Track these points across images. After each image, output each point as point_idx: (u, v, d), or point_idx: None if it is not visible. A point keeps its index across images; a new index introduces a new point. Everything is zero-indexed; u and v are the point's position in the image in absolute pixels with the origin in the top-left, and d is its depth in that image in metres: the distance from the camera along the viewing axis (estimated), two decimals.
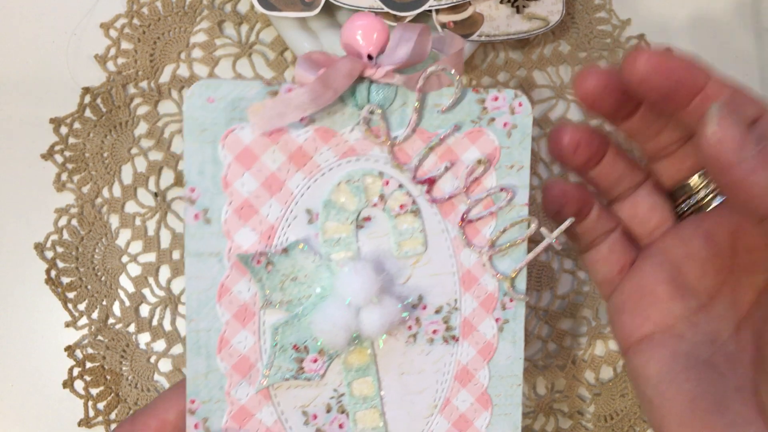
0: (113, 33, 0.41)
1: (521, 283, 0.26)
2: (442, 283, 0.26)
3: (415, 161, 0.24)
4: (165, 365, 0.39)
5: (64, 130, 0.40)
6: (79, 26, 0.41)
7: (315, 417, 0.25)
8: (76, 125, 0.40)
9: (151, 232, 0.40)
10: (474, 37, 0.38)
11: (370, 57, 0.24)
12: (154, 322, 0.39)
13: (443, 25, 0.38)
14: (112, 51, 0.40)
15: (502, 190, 0.25)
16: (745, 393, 0.25)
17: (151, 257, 0.40)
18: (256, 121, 0.22)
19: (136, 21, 0.41)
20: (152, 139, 0.40)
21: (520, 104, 0.25)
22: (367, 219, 0.25)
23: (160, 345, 0.39)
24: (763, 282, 0.26)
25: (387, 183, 0.24)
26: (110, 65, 0.40)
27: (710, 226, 0.27)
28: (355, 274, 0.23)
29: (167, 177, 0.40)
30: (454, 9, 0.38)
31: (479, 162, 0.25)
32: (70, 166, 0.39)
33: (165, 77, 0.41)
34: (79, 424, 0.38)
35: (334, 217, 0.24)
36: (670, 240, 0.28)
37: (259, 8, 0.36)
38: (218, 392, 0.24)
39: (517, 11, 0.39)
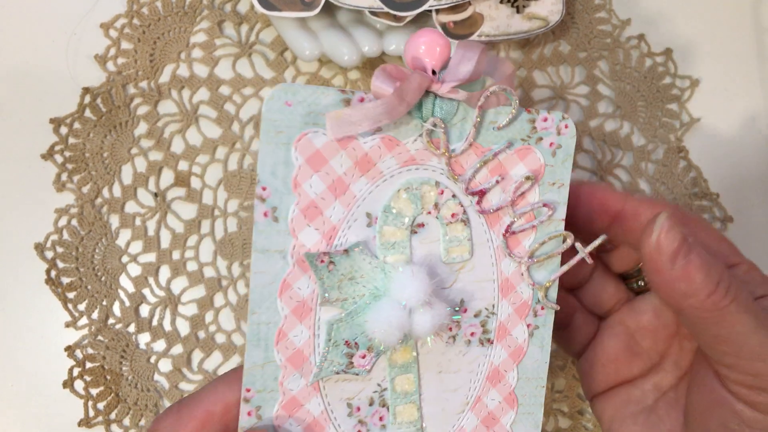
0: (113, 33, 0.41)
1: (553, 293, 0.28)
2: (483, 289, 0.27)
3: (469, 173, 0.26)
4: (165, 365, 0.39)
5: (64, 130, 0.40)
6: (79, 26, 0.41)
7: (358, 409, 0.27)
8: (76, 125, 0.40)
9: (151, 232, 0.40)
10: (474, 37, 0.38)
11: (434, 72, 0.25)
12: (154, 322, 0.39)
13: (443, 25, 0.38)
14: (112, 51, 0.40)
15: (544, 205, 0.27)
16: None
17: (151, 257, 0.40)
18: (333, 127, 0.24)
19: (136, 21, 0.41)
20: (152, 139, 0.40)
21: (566, 126, 0.27)
22: (421, 225, 0.26)
23: (160, 345, 0.39)
24: (697, 346, 0.31)
25: (442, 192, 0.26)
26: (110, 65, 0.40)
27: (658, 302, 0.32)
28: (412, 277, 0.25)
29: (167, 177, 0.40)
30: (454, 9, 0.38)
31: (527, 178, 0.27)
32: (70, 166, 0.39)
33: (165, 77, 0.41)
34: (79, 424, 0.38)
35: (392, 222, 0.26)
36: (625, 313, 0.33)
37: (259, 8, 0.36)
38: (272, 383, 0.25)
39: (517, 11, 0.39)
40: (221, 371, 0.39)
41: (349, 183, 0.25)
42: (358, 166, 0.25)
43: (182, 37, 0.41)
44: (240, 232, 0.40)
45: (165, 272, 0.40)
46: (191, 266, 0.40)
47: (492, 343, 0.28)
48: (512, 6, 0.39)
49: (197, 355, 0.40)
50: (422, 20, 0.39)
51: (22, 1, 0.41)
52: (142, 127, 0.40)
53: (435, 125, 0.25)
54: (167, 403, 0.39)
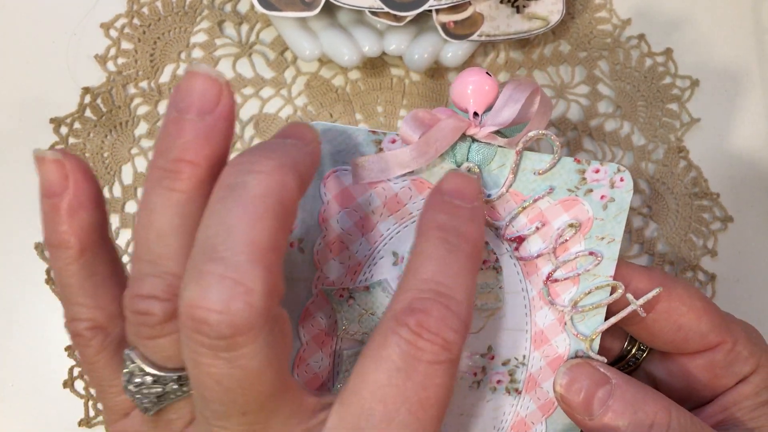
0: (113, 33, 0.41)
1: (596, 346, 0.27)
2: (513, 339, 0.27)
3: (506, 219, 0.25)
4: None
5: (64, 130, 0.40)
6: (79, 26, 0.41)
7: None
8: (77, 125, 0.40)
9: None
10: (474, 37, 0.38)
11: (475, 114, 0.24)
12: None
13: (443, 25, 0.38)
14: (112, 51, 0.40)
15: (590, 253, 0.26)
16: None
17: None
18: (359, 173, 0.24)
19: (136, 21, 0.41)
20: (152, 139, 0.40)
21: (622, 179, 0.25)
22: None
23: None
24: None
25: None
26: (110, 65, 0.40)
27: (645, 378, 0.31)
28: None
29: None
30: (454, 9, 0.38)
31: (570, 226, 0.25)
32: None
33: (165, 77, 0.41)
34: (80, 424, 0.38)
35: None
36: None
37: (259, 8, 0.36)
38: None
39: (517, 11, 0.39)
40: None
41: (376, 221, 0.25)
42: (386, 205, 0.25)
43: (182, 37, 0.41)
44: None
45: None
46: None
47: (520, 393, 0.27)
48: (512, 6, 0.39)
49: None
50: (422, 20, 0.39)
51: (22, 1, 0.41)
52: (142, 127, 0.40)
53: (469, 170, 0.24)
54: None
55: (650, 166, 0.42)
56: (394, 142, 0.24)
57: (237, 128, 0.41)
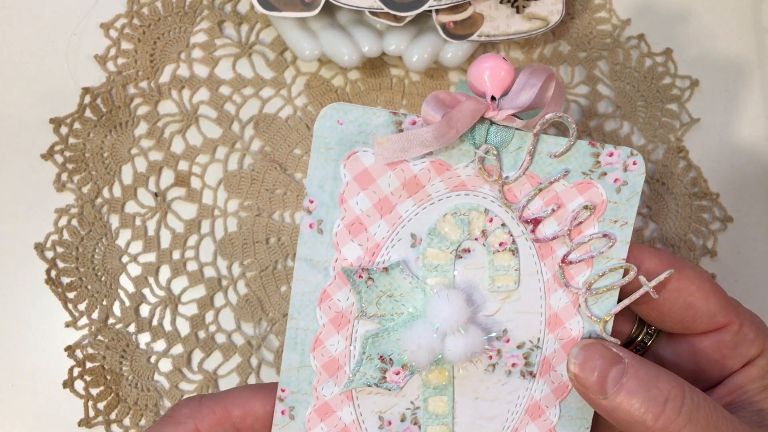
0: (113, 33, 0.41)
1: (609, 328, 0.27)
2: (528, 321, 0.27)
3: (523, 201, 0.26)
4: (165, 365, 0.39)
5: (64, 130, 0.40)
6: (79, 26, 0.41)
7: (389, 423, 0.27)
8: (76, 125, 0.40)
9: (151, 232, 0.40)
10: (474, 37, 0.38)
11: (493, 98, 0.24)
12: (154, 322, 0.39)
13: (443, 26, 0.38)
14: (112, 51, 0.40)
15: (604, 236, 0.26)
16: None
17: (151, 257, 0.40)
18: (381, 152, 0.24)
19: (136, 21, 0.41)
20: (152, 139, 0.40)
21: (635, 163, 0.26)
22: (467, 251, 0.26)
23: (160, 345, 0.39)
24: None
25: (491, 220, 0.26)
26: (110, 65, 0.40)
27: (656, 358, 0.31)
28: (447, 301, 0.25)
29: (167, 177, 0.40)
30: (454, 9, 0.38)
31: (585, 208, 0.26)
32: (70, 166, 0.39)
33: (165, 77, 0.41)
34: (79, 424, 0.38)
35: (436, 245, 0.26)
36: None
37: (258, 8, 0.36)
38: (307, 386, 0.26)
39: (517, 11, 0.39)
40: (221, 371, 0.39)
41: (395, 203, 0.25)
42: (405, 187, 0.25)
43: (182, 38, 0.41)
44: (240, 232, 0.40)
45: (165, 272, 0.40)
46: (191, 266, 0.40)
47: (534, 376, 0.27)
48: (512, 6, 0.39)
49: (197, 355, 0.40)
50: (422, 20, 0.39)
51: (22, 1, 0.41)
52: (142, 127, 0.40)
53: (487, 152, 0.25)
54: (167, 403, 0.39)
55: (650, 166, 0.42)
56: (414, 123, 0.24)
57: (237, 128, 0.41)
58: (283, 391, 0.26)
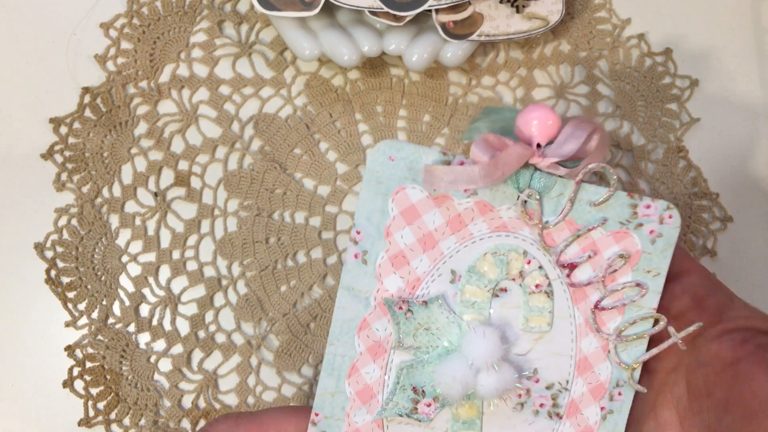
0: (113, 33, 0.41)
1: (637, 375, 0.28)
2: (559, 363, 0.27)
3: (560, 246, 0.26)
4: (165, 365, 0.39)
5: (63, 129, 0.40)
6: (79, 26, 0.41)
7: None
8: (76, 125, 0.40)
9: (151, 232, 0.40)
10: (474, 37, 0.38)
11: (539, 145, 0.25)
12: (154, 322, 0.39)
13: (443, 25, 0.38)
14: (112, 51, 0.40)
15: (637, 285, 0.27)
16: None
17: (151, 257, 0.40)
18: (429, 179, 0.25)
19: (135, 21, 0.41)
20: (152, 138, 0.40)
21: (671, 216, 0.27)
22: (504, 290, 0.27)
23: (160, 345, 0.39)
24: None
25: (529, 262, 0.27)
26: (110, 65, 0.40)
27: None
28: (483, 338, 0.26)
29: (167, 177, 0.40)
30: (454, 9, 0.38)
31: (620, 257, 0.27)
32: (69, 165, 0.39)
33: (165, 77, 0.41)
34: (79, 424, 0.38)
35: (475, 282, 0.26)
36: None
37: (258, 8, 0.36)
38: (340, 412, 0.27)
39: (517, 11, 0.39)
40: (221, 371, 0.39)
41: (438, 239, 0.26)
42: (449, 224, 0.26)
43: (182, 37, 0.41)
44: (240, 232, 0.40)
45: (165, 272, 0.40)
46: (191, 266, 0.40)
47: (561, 417, 0.28)
48: (512, 6, 0.39)
49: (197, 355, 0.40)
50: (422, 20, 0.39)
51: (22, 1, 0.41)
52: (142, 127, 0.40)
53: (530, 196, 0.25)
54: (167, 403, 0.39)
55: (650, 166, 0.42)
56: (462, 164, 0.25)
57: (236, 128, 0.41)
58: (316, 415, 0.27)
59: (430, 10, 0.37)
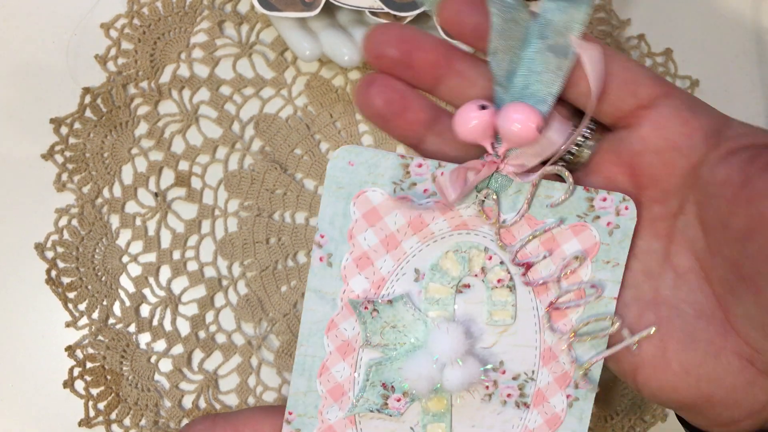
0: (113, 33, 0.41)
1: (596, 372, 0.28)
2: (523, 354, 0.28)
3: (517, 245, 0.27)
4: (165, 365, 0.39)
5: (64, 130, 0.40)
6: (80, 26, 0.41)
7: None
8: (77, 125, 0.40)
9: (151, 232, 0.40)
10: None
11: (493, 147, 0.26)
12: (155, 322, 0.39)
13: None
14: (113, 51, 0.40)
15: (592, 286, 0.27)
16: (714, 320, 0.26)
17: (151, 257, 0.40)
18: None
19: (136, 21, 0.41)
20: (152, 139, 0.40)
21: (626, 208, 0.27)
22: (467, 286, 0.28)
23: (160, 345, 0.39)
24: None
25: (490, 258, 0.27)
26: (110, 65, 0.40)
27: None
28: (447, 334, 0.26)
29: (167, 177, 0.40)
30: None
31: (576, 258, 0.27)
32: (70, 166, 0.40)
33: (165, 77, 0.41)
34: (80, 424, 0.39)
35: (438, 280, 0.27)
36: None
37: (259, 8, 0.36)
38: (312, 410, 0.28)
39: None
40: (222, 371, 0.40)
41: (400, 240, 0.27)
42: (410, 225, 0.26)
43: (182, 38, 0.41)
44: (240, 232, 0.40)
45: (165, 272, 0.40)
46: (191, 266, 0.40)
47: (528, 407, 0.29)
48: None
49: (197, 355, 0.40)
50: (422, 20, 0.39)
51: (22, 2, 0.41)
52: (142, 127, 0.40)
53: (487, 196, 0.26)
54: (167, 403, 0.39)
55: None
56: (420, 166, 0.26)
57: (237, 128, 0.41)
58: (290, 414, 0.28)
59: (430, 11, 0.37)
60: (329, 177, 0.26)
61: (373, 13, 0.37)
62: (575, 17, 0.25)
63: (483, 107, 0.25)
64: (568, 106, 0.27)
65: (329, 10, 0.38)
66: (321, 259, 0.26)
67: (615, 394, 0.41)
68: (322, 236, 0.26)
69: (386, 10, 0.37)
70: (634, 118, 0.26)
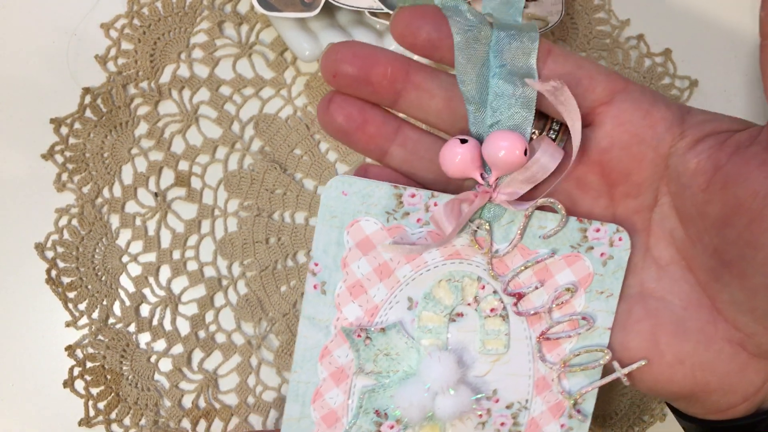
0: (113, 33, 0.41)
1: (589, 403, 0.28)
2: (517, 383, 0.28)
3: (509, 275, 0.27)
4: (165, 365, 0.39)
5: (64, 130, 0.40)
6: (80, 26, 0.41)
7: None
8: (77, 125, 0.40)
9: (151, 232, 0.40)
10: None
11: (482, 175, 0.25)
12: (155, 322, 0.40)
13: None
14: (113, 51, 0.40)
15: (583, 318, 0.27)
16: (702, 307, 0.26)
17: (151, 257, 0.40)
18: (395, 250, 0.26)
19: (136, 21, 0.41)
20: (152, 139, 0.40)
21: (620, 239, 0.27)
22: (460, 315, 0.27)
23: (160, 345, 0.39)
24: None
25: (483, 287, 0.27)
26: (110, 65, 0.40)
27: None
28: (439, 362, 0.26)
29: (167, 177, 0.40)
30: None
31: (567, 290, 0.27)
32: (70, 166, 0.40)
33: (165, 77, 0.41)
34: (80, 423, 0.39)
35: (431, 308, 0.27)
36: None
37: (258, 9, 0.36)
38: None
39: None
40: (221, 371, 0.40)
41: (394, 268, 0.27)
42: (404, 254, 0.26)
43: (182, 38, 0.41)
44: (240, 232, 0.40)
45: (165, 272, 0.40)
46: (191, 266, 0.40)
47: None
48: None
49: (197, 355, 0.40)
50: None
51: (22, 2, 0.41)
52: (142, 128, 0.40)
53: (480, 227, 0.26)
54: (167, 403, 0.39)
55: None
56: (413, 196, 0.26)
57: (237, 128, 0.41)
58: None
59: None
60: (323, 206, 0.26)
61: (373, 14, 0.37)
62: (527, 45, 0.25)
63: (463, 141, 0.25)
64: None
65: (329, 11, 0.38)
66: (315, 286, 0.26)
67: (615, 394, 0.41)
68: (316, 264, 0.26)
69: (385, 10, 0.37)
70: (595, 115, 0.26)
